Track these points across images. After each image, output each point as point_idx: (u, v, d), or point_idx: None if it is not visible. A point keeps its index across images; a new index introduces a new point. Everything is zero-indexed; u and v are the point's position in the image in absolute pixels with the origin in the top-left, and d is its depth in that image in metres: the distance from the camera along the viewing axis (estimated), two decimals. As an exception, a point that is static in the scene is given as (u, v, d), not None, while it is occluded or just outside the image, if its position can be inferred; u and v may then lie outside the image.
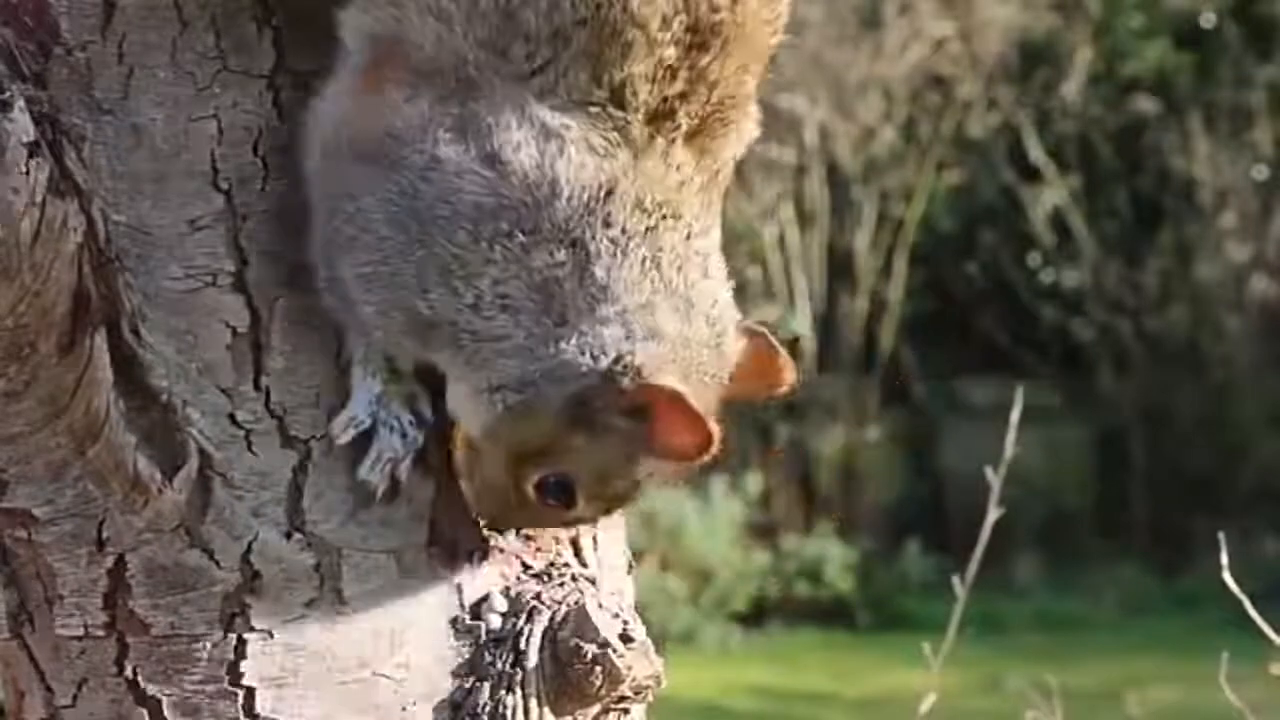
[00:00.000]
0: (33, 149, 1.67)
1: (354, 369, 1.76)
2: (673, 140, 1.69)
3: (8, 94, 1.67)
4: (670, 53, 1.66)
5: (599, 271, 1.67)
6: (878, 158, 16.68)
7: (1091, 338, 16.84)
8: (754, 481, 15.21)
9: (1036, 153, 16.71)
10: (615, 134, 1.67)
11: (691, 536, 14.44)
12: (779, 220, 16.37)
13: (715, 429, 1.69)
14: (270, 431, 1.77)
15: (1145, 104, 16.76)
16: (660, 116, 1.68)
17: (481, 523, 1.83)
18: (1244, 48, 16.60)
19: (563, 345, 1.68)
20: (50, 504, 1.76)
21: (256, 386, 1.77)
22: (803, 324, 16.24)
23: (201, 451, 1.76)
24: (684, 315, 1.72)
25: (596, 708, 1.83)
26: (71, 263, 1.70)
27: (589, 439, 1.72)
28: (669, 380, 1.68)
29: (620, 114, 1.67)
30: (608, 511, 1.80)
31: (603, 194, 1.67)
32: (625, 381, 1.68)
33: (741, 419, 15.67)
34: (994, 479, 3.23)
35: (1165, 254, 16.69)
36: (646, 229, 1.68)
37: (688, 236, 1.71)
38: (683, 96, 1.68)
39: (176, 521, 1.75)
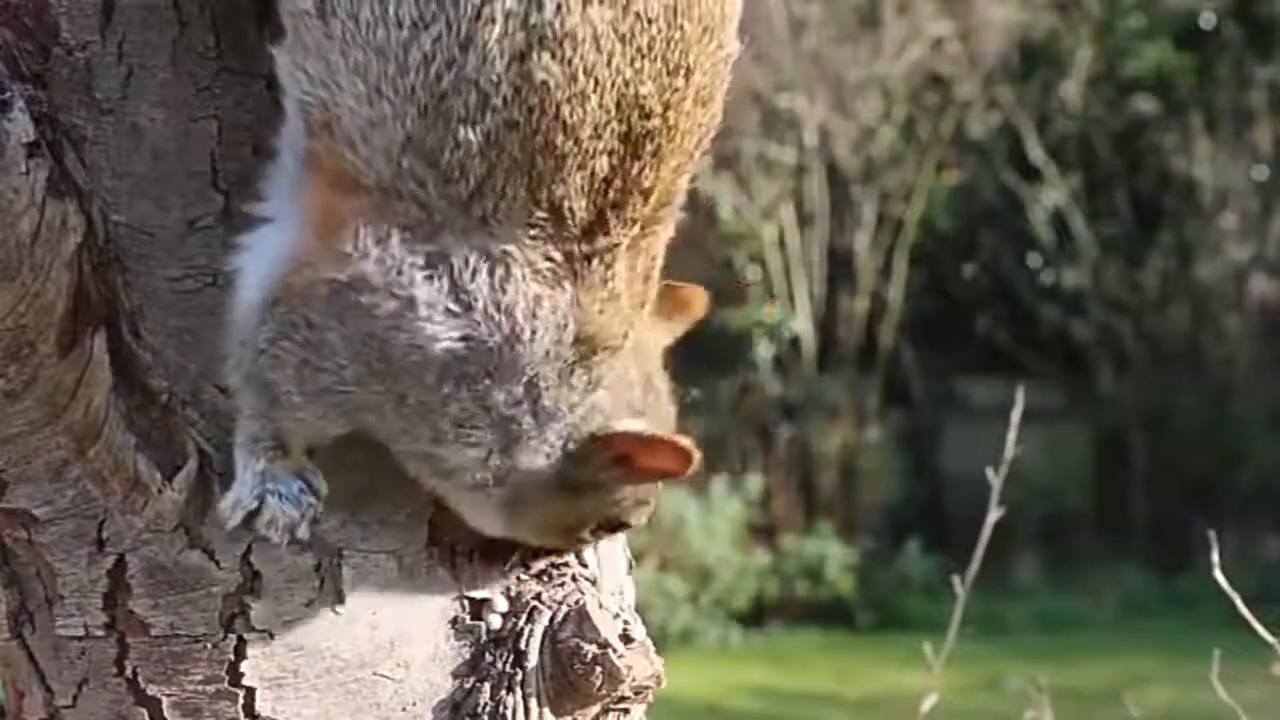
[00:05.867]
0: (32, 149, 1.67)
1: (237, 452, 1.74)
2: (610, 263, 1.68)
3: (8, 94, 1.67)
4: (603, 163, 1.64)
5: (548, 402, 1.69)
6: (877, 158, 16.68)
7: (1092, 338, 16.83)
8: (754, 481, 15.22)
9: (1036, 153, 16.70)
10: (560, 259, 1.66)
11: (691, 536, 14.45)
12: (779, 220, 16.37)
13: (689, 446, 1.72)
14: (270, 432, 1.76)
15: (1145, 104, 16.75)
16: (595, 228, 1.66)
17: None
18: (1244, 48, 16.60)
19: (520, 456, 1.71)
20: (50, 504, 1.76)
21: (257, 387, 1.76)
22: (802, 322, 16.24)
23: (201, 452, 1.76)
24: (616, 394, 1.74)
25: (597, 708, 1.83)
26: (71, 263, 1.70)
27: (596, 493, 1.76)
28: (625, 425, 1.72)
29: (559, 233, 1.65)
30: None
31: (556, 331, 1.67)
32: (586, 449, 1.71)
33: (742, 420, 15.69)
34: (994, 479, 3.23)
35: (1165, 254, 16.69)
36: (581, 357, 1.70)
37: (616, 351, 1.73)
38: (616, 207, 1.66)
39: (176, 522, 1.75)
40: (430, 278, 1.64)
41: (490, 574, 1.84)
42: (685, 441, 1.72)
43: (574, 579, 1.86)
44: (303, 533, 1.74)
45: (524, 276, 1.65)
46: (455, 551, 1.82)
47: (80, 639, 1.79)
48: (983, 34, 16.50)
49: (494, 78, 1.60)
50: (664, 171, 1.67)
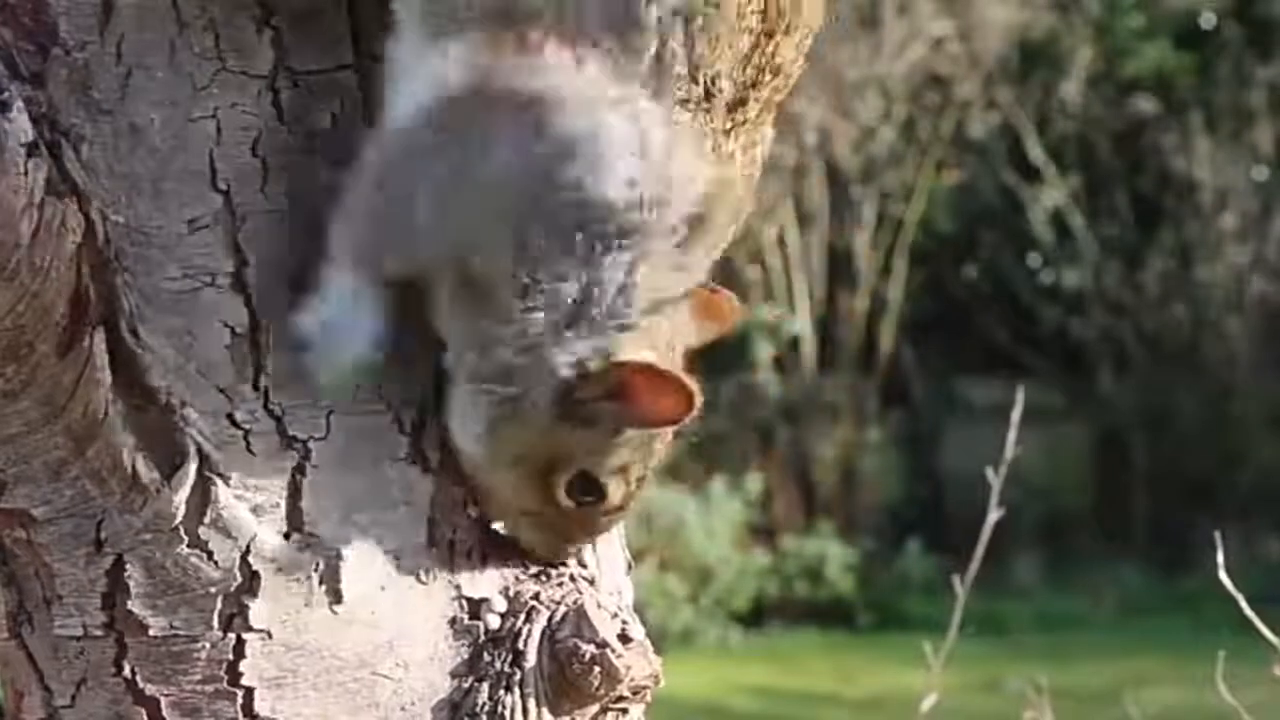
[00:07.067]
0: (31, 149, 1.68)
1: (330, 269, 1.73)
2: (739, 137, 1.73)
3: (6, 94, 1.67)
4: (745, 41, 1.70)
5: (640, 286, 1.70)
6: (877, 157, 16.68)
7: (1092, 338, 16.84)
8: (754, 482, 15.22)
9: (1036, 153, 16.71)
10: (708, 132, 1.70)
11: (691, 536, 14.45)
12: (779, 220, 16.37)
13: (692, 385, 1.72)
14: (269, 431, 1.77)
15: (1145, 104, 16.76)
16: (736, 107, 1.72)
17: (555, 558, 1.85)
18: (1244, 48, 16.61)
19: (555, 350, 1.70)
20: (48, 504, 1.76)
21: (255, 387, 1.76)
22: (802, 324, 16.23)
23: (200, 452, 1.75)
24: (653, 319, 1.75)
25: (595, 708, 1.83)
26: (70, 263, 1.70)
27: (585, 431, 1.74)
28: (635, 353, 1.71)
29: (708, 108, 1.70)
30: (637, 492, 1.82)
31: (695, 206, 1.70)
32: (595, 365, 1.71)
33: (742, 420, 15.69)
34: (994, 479, 3.23)
35: (1165, 255, 16.70)
36: (684, 240, 1.71)
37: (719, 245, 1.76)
38: (754, 85, 1.72)
39: (175, 522, 1.75)
40: (625, 120, 1.66)
41: (489, 574, 1.84)
42: (689, 382, 1.71)
43: (572, 579, 1.86)
44: (347, 378, 1.73)
45: (688, 156, 1.68)
46: (454, 551, 1.83)
47: (79, 639, 1.79)
48: (983, 34, 16.51)
49: None
50: (788, 47, 1.72)
